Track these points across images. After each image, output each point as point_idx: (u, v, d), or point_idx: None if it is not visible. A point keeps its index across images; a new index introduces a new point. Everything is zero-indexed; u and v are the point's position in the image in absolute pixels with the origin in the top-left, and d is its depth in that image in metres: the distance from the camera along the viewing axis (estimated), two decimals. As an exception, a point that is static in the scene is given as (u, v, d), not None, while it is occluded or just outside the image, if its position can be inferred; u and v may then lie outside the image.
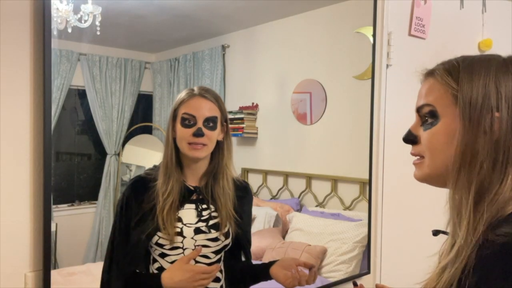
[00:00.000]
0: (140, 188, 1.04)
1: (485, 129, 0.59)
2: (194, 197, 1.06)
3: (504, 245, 0.52)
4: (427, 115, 0.65)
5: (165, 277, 0.96)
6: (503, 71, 0.60)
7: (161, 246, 1.01)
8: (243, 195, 1.12)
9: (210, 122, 1.03)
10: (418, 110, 0.67)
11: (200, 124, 1.02)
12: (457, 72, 0.63)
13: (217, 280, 1.06)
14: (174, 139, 1.05)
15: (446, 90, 0.63)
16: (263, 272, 1.07)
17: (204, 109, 1.03)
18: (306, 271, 1.04)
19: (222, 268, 1.08)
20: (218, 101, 1.06)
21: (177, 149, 1.04)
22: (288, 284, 1.02)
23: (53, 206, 1.10)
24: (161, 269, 1.03)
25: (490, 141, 0.59)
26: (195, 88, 1.07)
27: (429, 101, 0.65)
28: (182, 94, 1.06)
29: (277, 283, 1.06)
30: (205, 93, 1.05)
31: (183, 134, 1.02)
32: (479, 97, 0.60)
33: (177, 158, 1.05)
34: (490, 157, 0.59)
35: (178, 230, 1.02)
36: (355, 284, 0.83)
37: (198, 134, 1.01)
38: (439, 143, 0.63)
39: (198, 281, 0.95)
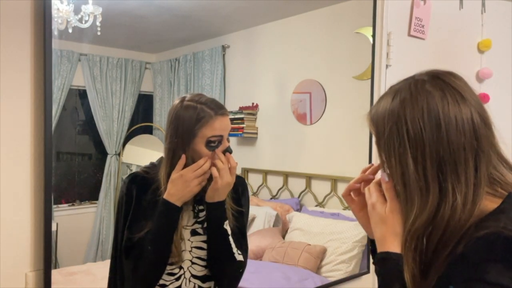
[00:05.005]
0: (138, 185, 1.03)
1: (396, 166, 0.63)
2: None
3: (491, 234, 0.53)
4: None
5: (166, 197, 0.97)
6: (399, 110, 0.63)
7: None
8: (239, 189, 1.11)
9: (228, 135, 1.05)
10: None
11: (226, 142, 1.02)
12: (370, 122, 0.70)
13: (208, 279, 1.05)
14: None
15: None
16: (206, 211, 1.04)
17: (228, 125, 1.03)
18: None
19: None
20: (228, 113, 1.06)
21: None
22: (214, 174, 0.98)
23: (53, 206, 1.11)
24: None
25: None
26: (208, 104, 1.00)
27: None
28: (197, 113, 0.98)
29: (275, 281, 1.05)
30: (224, 110, 1.02)
31: (210, 154, 1.01)
32: (384, 142, 0.64)
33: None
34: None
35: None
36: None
37: (229, 151, 1.01)
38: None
39: (193, 182, 0.96)
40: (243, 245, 1.06)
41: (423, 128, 0.59)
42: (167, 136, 1.03)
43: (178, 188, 0.97)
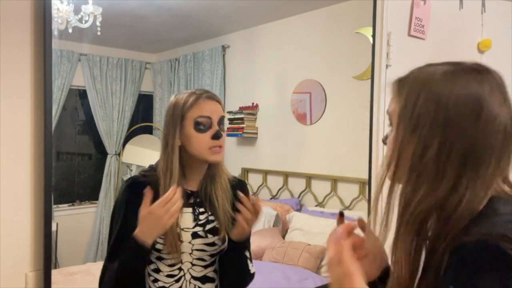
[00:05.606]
0: (137, 191, 1.02)
1: (417, 143, 0.59)
2: (191, 200, 1.06)
3: (476, 243, 0.53)
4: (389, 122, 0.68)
5: (137, 234, 0.94)
6: (441, 85, 0.60)
7: (158, 250, 1.01)
8: (240, 192, 1.11)
9: (221, 123, 1.04)
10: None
11: (216, 126, 1.01)
12: (402, 86, 0.64)
13: (211, 281, 1.06)
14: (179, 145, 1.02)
15: (395, 102, 0.64)
16: (229, 244, 1.04)
17: (217, 110, 1.03)
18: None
19: (217, 268, 1.08)
20: (221, 102, 1.06)
21: (181, 155, 1.03)
22: (242, 226, 0.98)
23: (53, 206, 1.11)
24: (157, 270, 1.03)
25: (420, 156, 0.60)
26: (197, 91, 1.04)
27: (388, 111, 0.67)
28: (185, 97, 1.02)
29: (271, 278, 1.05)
30: (212, 95, 1.04)
31: (201, 139, 1.00)
32: (413, 112, 0.60)
33: (180, 165, 1.02)
34: (418, 170, 0.60)
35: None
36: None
37: (218, 135, 1.00)
38: (389, 149, 0.65)
39: (164, 217, 0.92)
40: (248, 248, 1.08)
41: (462, 118, 0.57)
42: (163, 128, 1.05)
43: (149, 225, 0.93)
